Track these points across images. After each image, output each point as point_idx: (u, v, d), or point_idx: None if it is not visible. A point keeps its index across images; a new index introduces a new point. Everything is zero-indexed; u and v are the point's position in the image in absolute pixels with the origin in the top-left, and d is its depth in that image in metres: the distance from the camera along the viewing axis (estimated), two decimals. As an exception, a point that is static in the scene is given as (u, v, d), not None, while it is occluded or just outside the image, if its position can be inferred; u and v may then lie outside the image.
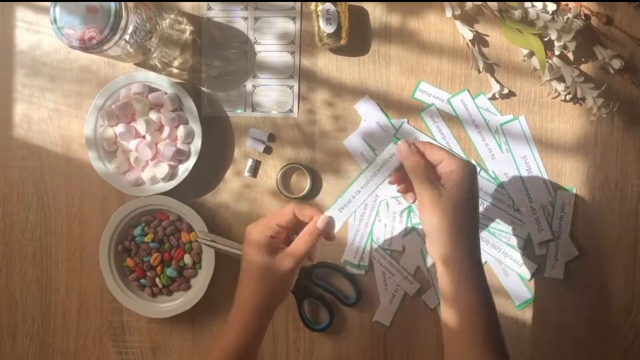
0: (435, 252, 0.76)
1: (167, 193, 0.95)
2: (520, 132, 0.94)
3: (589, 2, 0.92)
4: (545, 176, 0.94)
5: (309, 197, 0.96)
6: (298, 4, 0.96)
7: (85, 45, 0.83)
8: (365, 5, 0.96)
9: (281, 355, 0.98)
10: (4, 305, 1.01)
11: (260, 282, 0.80)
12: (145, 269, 0.97)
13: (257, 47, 0.97)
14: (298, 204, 0.83)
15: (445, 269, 0.76)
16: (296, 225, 0.83)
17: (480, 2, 0.91)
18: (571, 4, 0.91)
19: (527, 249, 0.94)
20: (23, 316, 1.01)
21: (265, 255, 0.80)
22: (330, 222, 0.82)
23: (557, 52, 0.90)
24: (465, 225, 0.76)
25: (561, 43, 0.88)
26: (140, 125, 0.94)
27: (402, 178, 0.82)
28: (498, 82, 0.94)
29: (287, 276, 0.81)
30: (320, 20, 0.92)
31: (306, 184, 0.96)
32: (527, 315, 0.95)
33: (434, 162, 0.78)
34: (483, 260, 0.93)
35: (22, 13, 1.00)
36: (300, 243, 0.80)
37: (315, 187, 0.97)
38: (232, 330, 0.80)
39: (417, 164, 0.77)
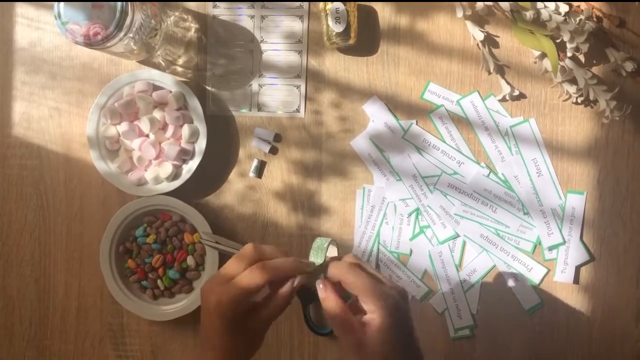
0: None
1: (170, 193, 0.94)
2: (531, 135, 0.93)
3: (601, 3, 0.92)
4: (556, 179, 0.93)
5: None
6: (306, 3, 0.95)
7: (90, 41, 0.81)
8: (374, 4, 0.94)
9: (285, 359, 0.96)
10: (0, 306, 0.99)
11: (229, 342, 0.70)
12: (147, 271, 0.95)
13: (263, 46, 0.96)
14: (266, 267, 0.68)
15: None
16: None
17: (491, 3, 0.90)
18: (583, 6, 0.90)
19: (536, 252, 0.93)
20: (20, 318, 0.99)
21: (234, 328, 0.69)
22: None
23: (569, 54, 0.89)
24: None
25: (573, 45, 0.87)
26: (143, 124, 0.93)
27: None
28: (508, 83, 0.93)
29: (258, 337, 0.72)
30: (329, 19, 0.90)
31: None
32: (537, 319, 0.93)
33: (353, 293, 0.67)
34: (492, 264, 0.93)
35: (22, 9, 0.98)
36: (275, 308, 0.70)
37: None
38: None
39: (333, 307, 0.67)
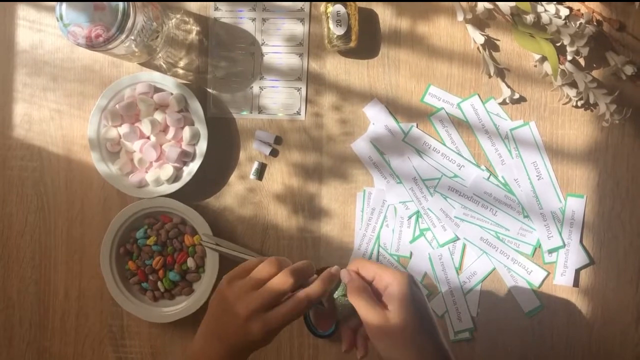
0: None
1: (171, 195, 0.94)
2: (531, 138, 0.93)
3: (601, 7, 0.92)
4: (556, 182, 0.93)
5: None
6: (307, 5, 0.95)
7: (92, 43, 0.82)
8: (375, 8, 0.95)
9: (285, 361, 0.96)
10: (0, 307, 0.99)
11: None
12: (147, 273, 0.95)
13: (264, 49, 0.96)
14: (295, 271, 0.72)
15: None
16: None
17: (491, 6, 0.90)
18: (583, 9, 0.90)
19: (536, 255, 0.93)
20: (20, 319, 0.99)
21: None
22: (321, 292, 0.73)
23: (569, 58, 0.89)
24: (426, 342, 0.69)
25: (574, 48, 0.88)
26: (144, 126, 0.93)
27: (351, 335, 0.76)
28: (509, 87, 0.93)
29: (253, 344, 0.73)
30: (330, 22, 0.91)
31: None
32: (536, 322, 0.94)
33: (368, 279, 0.72)
34: (492, 267, 0.93)
35: (24, 11, 0.99)
36: (280, 313, 0.71)
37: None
38: None
39: (360, 287, 0.71)
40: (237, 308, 0.70)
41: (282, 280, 0.71)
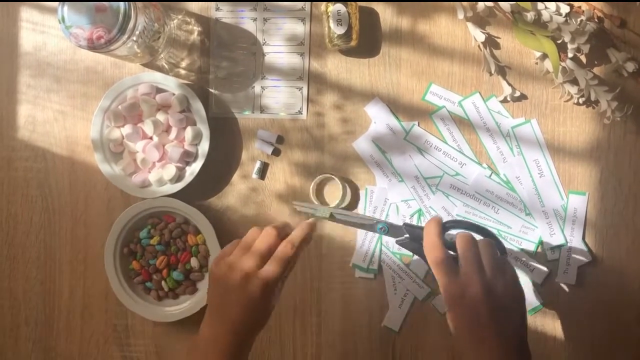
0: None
1: (174, 195, 0.94)
2: (532, 136, 0.93)
3: (602, 3, 0.92)
4: (558, 180, 0.93)
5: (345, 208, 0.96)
6: (307, 5, 0.95)
7: (94, 45, 0.82)
8: (375, 7, 0.95)
9: (288, 359, 0.97)
10: (6, 307, 1.00)
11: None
12: (151, 272, 0.96)
13: (265, 49, 0.96)
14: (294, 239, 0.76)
15: None
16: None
17: (492, 4, 0.90)
18: (584, 7, 0.90)
19: (538, 253, 0.93)
20: (26, 319, 0.99)
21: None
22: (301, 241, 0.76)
23: (570, 55, 0.89)
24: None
25: (574, 45, 0.88)
26: (147, 127, 0.93)
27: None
28: (510, 84, 0.93)
29: (255, 311, 0.73)
30: (331, 21, 0.91)
31: (339, 194, 0.94)
32: (539, 320, 0.94)
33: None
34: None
35: (27, 13, 0.99)
36: (272, 265, 0.73)
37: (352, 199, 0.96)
38: None
39: (438, 259, 0.75)
40: (232, 279, 0.72)
41: (265, 238, 0.74)
